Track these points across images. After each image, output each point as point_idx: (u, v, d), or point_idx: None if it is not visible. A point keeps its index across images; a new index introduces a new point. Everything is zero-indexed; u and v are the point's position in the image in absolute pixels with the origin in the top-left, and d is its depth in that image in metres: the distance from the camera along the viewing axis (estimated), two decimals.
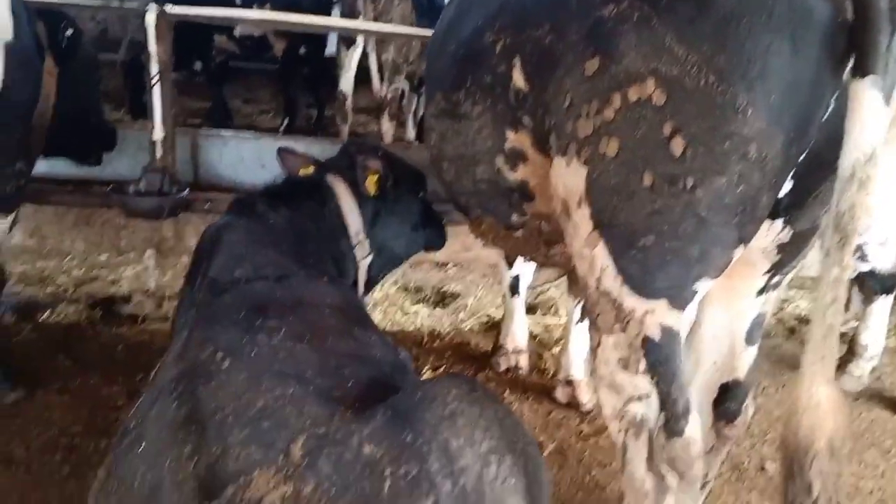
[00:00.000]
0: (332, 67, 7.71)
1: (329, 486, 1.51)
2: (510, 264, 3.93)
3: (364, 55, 7.25)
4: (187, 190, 4.40)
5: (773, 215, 1.84)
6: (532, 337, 4.27)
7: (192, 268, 2.64)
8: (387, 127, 7.52)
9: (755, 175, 1.70)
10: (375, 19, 6.48)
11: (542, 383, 3.97)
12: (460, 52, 2.45)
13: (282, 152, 3.37)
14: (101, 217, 4.70)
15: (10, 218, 3.45)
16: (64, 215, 4.64)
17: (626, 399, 1.89)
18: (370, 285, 3.35)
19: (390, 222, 3.28)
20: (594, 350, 1.98)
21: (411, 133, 8.16)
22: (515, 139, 2.24)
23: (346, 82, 7.22)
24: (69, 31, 3.87)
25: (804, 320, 4.91)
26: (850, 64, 1.63)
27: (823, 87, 1.68)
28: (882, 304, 4.04)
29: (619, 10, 1.77)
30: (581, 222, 1.91)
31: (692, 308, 1.88)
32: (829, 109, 1.71)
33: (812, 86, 1.67)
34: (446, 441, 1.65)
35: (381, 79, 7.45)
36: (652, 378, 1.87)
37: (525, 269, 3.95)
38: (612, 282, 1.86)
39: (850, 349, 4.15)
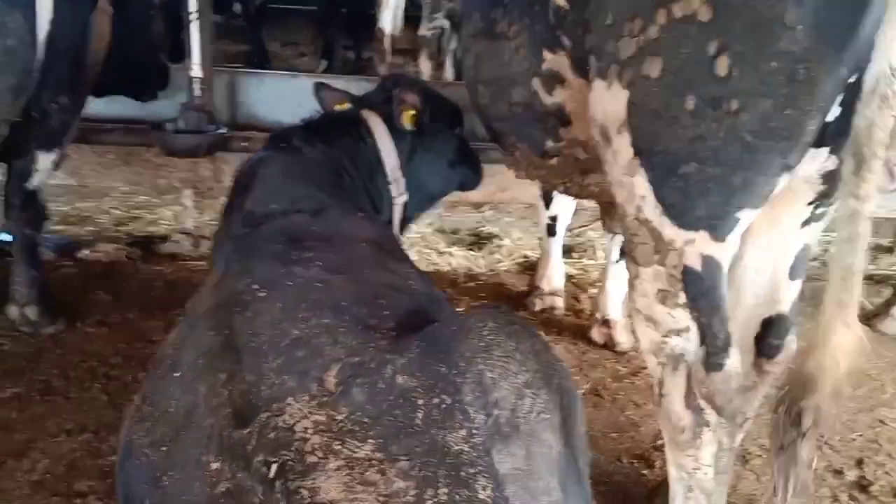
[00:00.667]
0: (372, 6, 7.55)
1: (361, 414, 1.50)
2: (547, 204, 3.86)
3: None
4: (225, 129, 4.38)
5: (818, 143, 1.74)
6: (568, 278, 4.23)
7: (230, 202, 2.64)
8: (425, 67, 7.39)
9: (802, 98, 1.61)
10: None
11: (577, 324, 3.95)
12: None
13: (319, 88, 3.32)
14: (141, 157, 4.71)
15: (56, 155, 3.49)
16: (104, 154, 4.67)
17: (664, 332, 1.85)
18: (405, 224, 3.32)
19: (426, 159, 3.23)
20: (632, 282, 1.92)
21: (450, 74, 8.02)
22: (553, 60, 2.17)
23: (385, 20, 7.07)
24: None
25: None
26: None
27: (874, 3, 1.55)
28: None
29: None
30: (621, 149, 1.83)
31: (735, 239, 1.80)
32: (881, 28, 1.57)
33: (862, 6, 1.55)
34: (481, 373, 1.62)
35: (422, 17, 7.29)
36: (692, 311, 1.81)
37: (563, 210, 3.89)
38: (651, 211, 1.80)
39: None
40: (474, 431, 1.52)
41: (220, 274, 2.11)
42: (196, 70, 4.35)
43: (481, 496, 1.41)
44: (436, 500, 1.37)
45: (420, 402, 1.54)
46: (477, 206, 5.25)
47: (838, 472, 2.86)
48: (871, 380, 3.58)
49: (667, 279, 1.81)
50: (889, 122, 1.50)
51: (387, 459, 1.43)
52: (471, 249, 4.72)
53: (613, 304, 3.66)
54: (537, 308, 4.02)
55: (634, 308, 1.92)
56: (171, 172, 4.67)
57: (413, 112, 3.12)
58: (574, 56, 2.07)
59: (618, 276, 3.60)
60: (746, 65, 1.60)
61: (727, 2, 1.59)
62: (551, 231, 3.95)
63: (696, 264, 1.78)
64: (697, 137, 1.69)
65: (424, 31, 7.28)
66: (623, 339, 3.63)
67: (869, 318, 4.14)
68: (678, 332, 1.83)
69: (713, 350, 1.80)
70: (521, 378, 1.67)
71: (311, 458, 1.41)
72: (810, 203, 1.94)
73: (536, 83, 2.27)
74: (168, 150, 4.37)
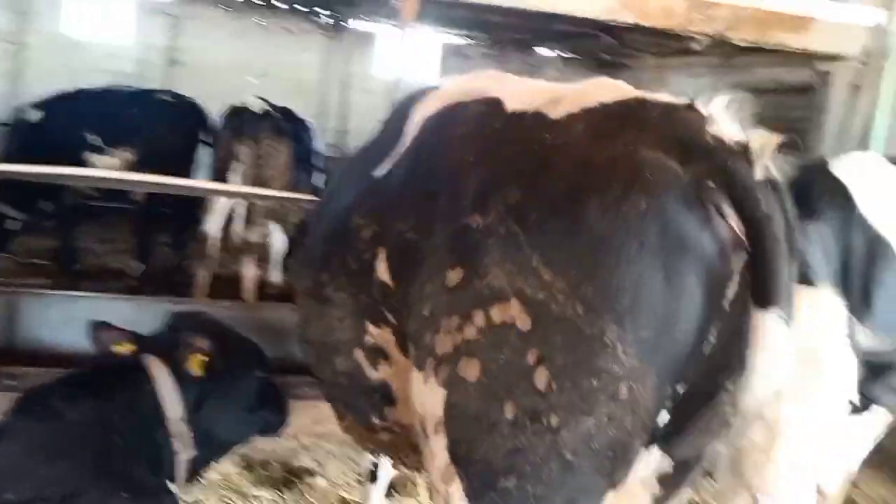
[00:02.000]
0: (197, 207, 7.30)
1: None
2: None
3: None
4: None
5: (648, 441, 1.62)
6: None
7: None
8: (250, 271, 7.14)
9: (626, 418, 1.50)
10: (255, 165, 6.32)
11: None
12: (329, 231, 2.26)
13: (96, 327, 2.96)
14: None
15: None
16: None
17: None
18: (193, 477, 2.92)
19: (218, 407, 2.91)
20: None
21: (277, 277, 7.80)
22: (378, 335, 2.03)
23: (212, 224, 6.86)
24: None
25: None
26: (731, 296, 1.52)
27: (702, 321, 1.52)
28: None
29: (485, 223, 1.60)
30: (437, 451, 1.66)
31: None
32: (712, 343, 1.55)
33: (689, 320, 1.50)
34: None
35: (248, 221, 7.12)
36: None
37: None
38: None
39: None
40: None
41: None
42: None
43: None
44: None
45: None
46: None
47: None
48: None
49: None
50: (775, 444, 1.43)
51: None
52: (279, 491, 4.22)
53: None
54: None
55: None
56: None
57: (202, 358, 2.83)
58: (399, 335, 1.93)
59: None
60: (566, 379, 1.49)
61: (547, 312, 1.50)
62: (373, 477, 3.61)
63: None
64: (517, 450, 1.53)
65: (251, 234, 7.11)
66: None
67: None
68: None
69: None
70: None
71: None
72: None
73: (359, 355, 2.10)
74: None
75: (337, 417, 2.57)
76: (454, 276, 1.63)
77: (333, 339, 2.18)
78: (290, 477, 4.34)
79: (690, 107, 1.57)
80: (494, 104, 1.82)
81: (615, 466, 1.55)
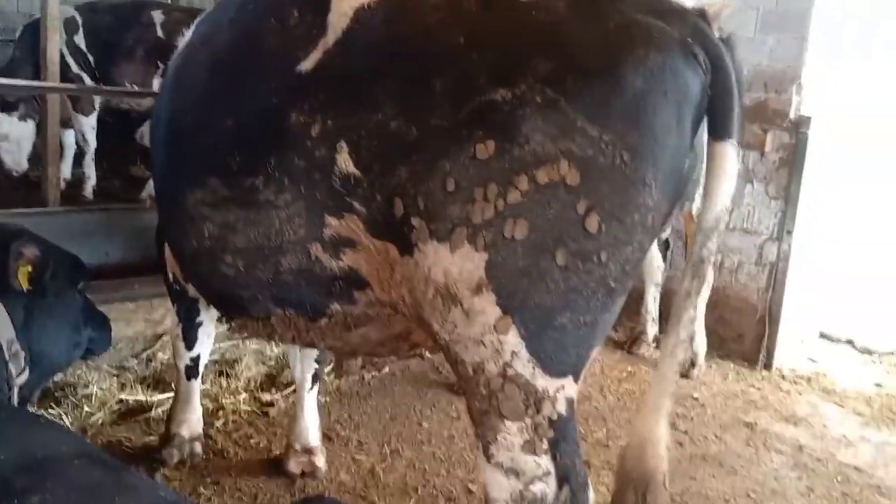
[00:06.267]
0: None
1: None
2: (190, 345, 3.51)
3: None
4: None
5: None
6: None
7: None
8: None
9: (648, 241, 1.84)
10: None
11: (253, 459, 3.65)
12: (247, 132, 2.14)
13: None
14: None
15: None
16: None
17: (527, 481, 1.84)
18: (24, 404, 2.71)
19: (48, 324, 2.67)
20: (491, 438, 1.87)
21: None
22: (340, 225, 2.04)
23: None
24: None
25: None
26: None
27: (688, 154, 1.90)
28: None
29: (515, 95, 1.75)
30: (484, 308, 1.82)
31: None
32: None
33: (686, 154, 1.89)
34: None
35: None
36: (555, 455, 1.85)
37: (206, 349, 3.58)
38: (523, 365, 1.81)
39: None
40: None
41: None
42: None
43: None
44: None
45: None
46: None
47: None
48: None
49: (534, 429, 1.83)
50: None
51: None
52: (58, 406, 3.95)
53: (312, 431, 3.51)
54: (175, 460, 3.53)
55: (493, 462, 1.88)
56: None
57: (30, 268, 2.58)
58: (371, 220, 1.99)
59: (312, 405, 3.51)
60: (613, 219, 1.77)
61: (595, 165, 1.74)
62: (192, 372, 3.58)
63: (564, 409, 1.84)
64: (570, 289, 1.79)
65: None
66: (321, 464, 3.51)
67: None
68: (541, 478, 1.85)
69: (577, 488, 1.86)
70: None
71: None
72: None
73: (316, 248, 2.10)
74: None
75: (252, 318, 2.54)
76: (485, 149, 1.77)
77: (278, 240, 2.16)
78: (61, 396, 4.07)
79: None
80: None
81: (631, 281, 1.90)
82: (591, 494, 1.94)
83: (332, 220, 2.07)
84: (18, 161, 7.21)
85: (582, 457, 1.94)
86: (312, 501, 1.63)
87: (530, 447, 1.86)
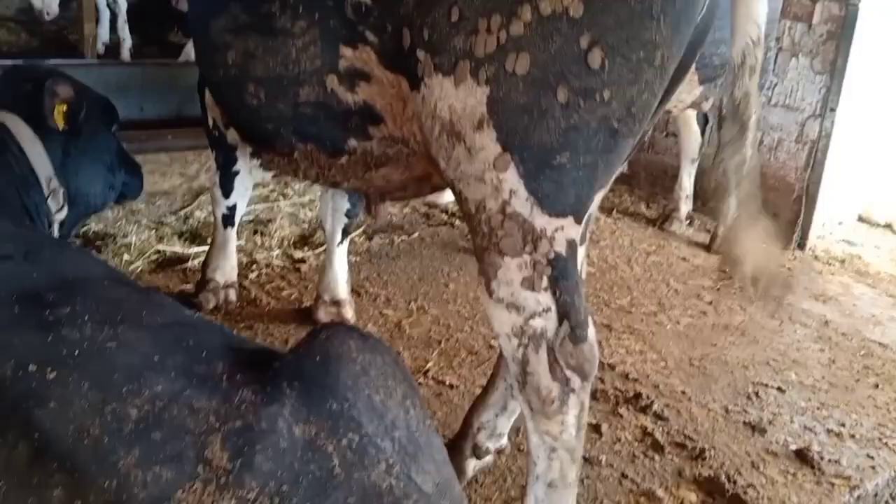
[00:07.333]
0: None
1: (275, 483, 1.29)
2: (227, 193, 3.60)
3: None
4: None
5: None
6: None
7: None
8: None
9: (657, 82, 1.76)
10: None
11: (284, 309, 3.80)
12: None
13: None
14: None
15: None
16: None
17: (528, 316, 1.89)
18: None
19: (84, 164, 2.75)
20: (491, 273, 1.91)
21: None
22: (354, 56, 2.03)
23: None
24: None
25: None
26: None
27: None
28: None
29: None
30: (484, 145, 1.80)
31: (585, 219, 1.93)
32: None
33: None
34: (369, 398, 1.51)
35: None
36: (555, 292, 1.88)
37: (242, 198, 3.67)
38: (522, 203, 1.81)
39: None
40: (391, 461, 1.42)
41: None
42: None
43: None
44: None
45: (329, 448, 1.37)
46: None
47: None
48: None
49: (534, 266, 1.85)
50: (756, 86, 1.74)
51: None
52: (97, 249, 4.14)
53: (341, 284, 3.61)
54: (210, 305, 3.68)
55: (494, 298, 1.92)
56: None
57: (66, 107, 2.62)
58: (384, 51, 1.96)
59: (342, 255, 3.60)
60: (618, 56, 1.68)
61: None
62: (229, 221, 3.70)
63: (563, 249, 1.85)
64: (571, 128, 1.74)
65: None
66: (350, 315, 3.63)
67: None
68: (541, 314, 1.89)
69: (576, 324, 1.90)
70: (399, 392, 1.59)
71: None
72: None
73: (332, 81, 2.09)
74: None
75: (279, 153, 2.55)
76: None
77: (295, 70, 2.15)
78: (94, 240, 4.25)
79: None
80: None
81: (641, 129, 1.86)
82: (592, 330, 1.98)
83: (346, 51, 2.05)
84: (49, 3, 7.09)
85: (583, 295, 1.97)
86: (330, 329, 1.68)
87: (529, 284, 1.88)
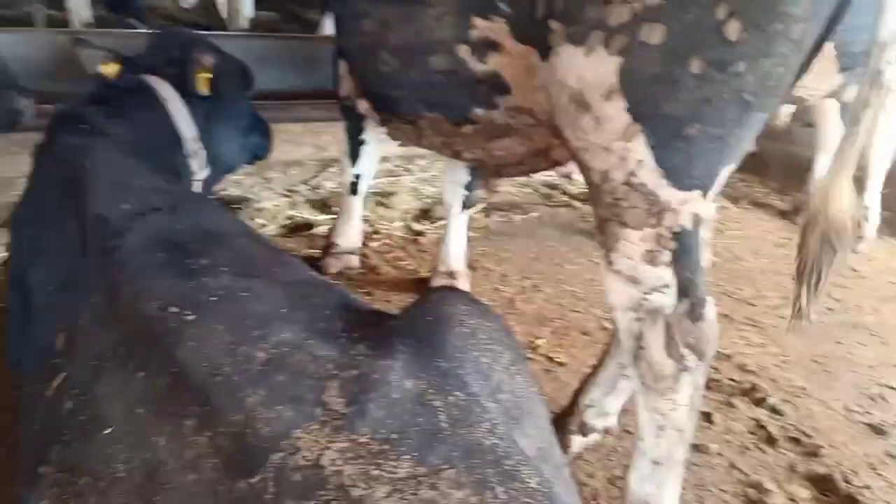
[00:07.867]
0: None
1: (386, 431, 1.37)
2: (354, 161, 3.75)
3: None
4: None
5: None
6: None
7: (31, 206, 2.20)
8: None
9: (793, 57, 1.72)
10: None
11: (402, 278, 3.94)
12: None
13: (79, 44, 2.85)
14: None
15: None
16: None
17: (647, 290, 1.89)
18: None
19: (223, 127, 2.92)
20: (612, 245, 1.92)
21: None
22: (487, 27, 2.08)
23: None
24: None
25: None
26: None
27: None
28: None
29: None
30: (613, 115, 1.80)
31: (715, 195, 1.89)
32: None
33: None
34: (476, 360, 1.56)
35: None
36: (676, 267, 1.87)
37: (367, 170, 3.80)
38: (648, 174, 1.80)
39: None
40: (495, 422, 1.47)
41: (102, 298, 1.76)
42: None
43: (532, 485, 1.37)
44: (496, 500, 1.31)
45: (437, 403, 1.43)
46: None
47: None
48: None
49: (656, 240, 1.85)
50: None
51: (431, 472, 1.32)
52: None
53: (457, 256, 3.71)
54: (333, 270, 3.87)
55: (613, 269, 1.93)
56: None
57: (209, 75, 2.80)
58: (517, 22, 2.00)
59: (460, 228, 3.69)
60: (754, 27, 1.65)
61: None
62: (354, 189, 3.85)
63: (688, 223, 1.83)
64: (703, 100, 1.71)
65: None
66: (466, 287, 3.71)
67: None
68: (660, 289, 1.88)
69: (696, 301, 1.89)
70: (506, 357, 1.63)
71: (356, 492, 1.26)
72: None
73: (464, 51, 2.16)
74: None
75: (405, 121, 2.64)
76: None
77: (429, 39, 2.22)
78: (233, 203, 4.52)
79: None
80: None
81: (776, 104, 1.82)
82: (711, 309, 1.94)
83: (479, 22, 2.09)
84: None
85: (704, 272, 1.93)
86: (442, 291, 1.75)
87: (650, 257, 1.87)
